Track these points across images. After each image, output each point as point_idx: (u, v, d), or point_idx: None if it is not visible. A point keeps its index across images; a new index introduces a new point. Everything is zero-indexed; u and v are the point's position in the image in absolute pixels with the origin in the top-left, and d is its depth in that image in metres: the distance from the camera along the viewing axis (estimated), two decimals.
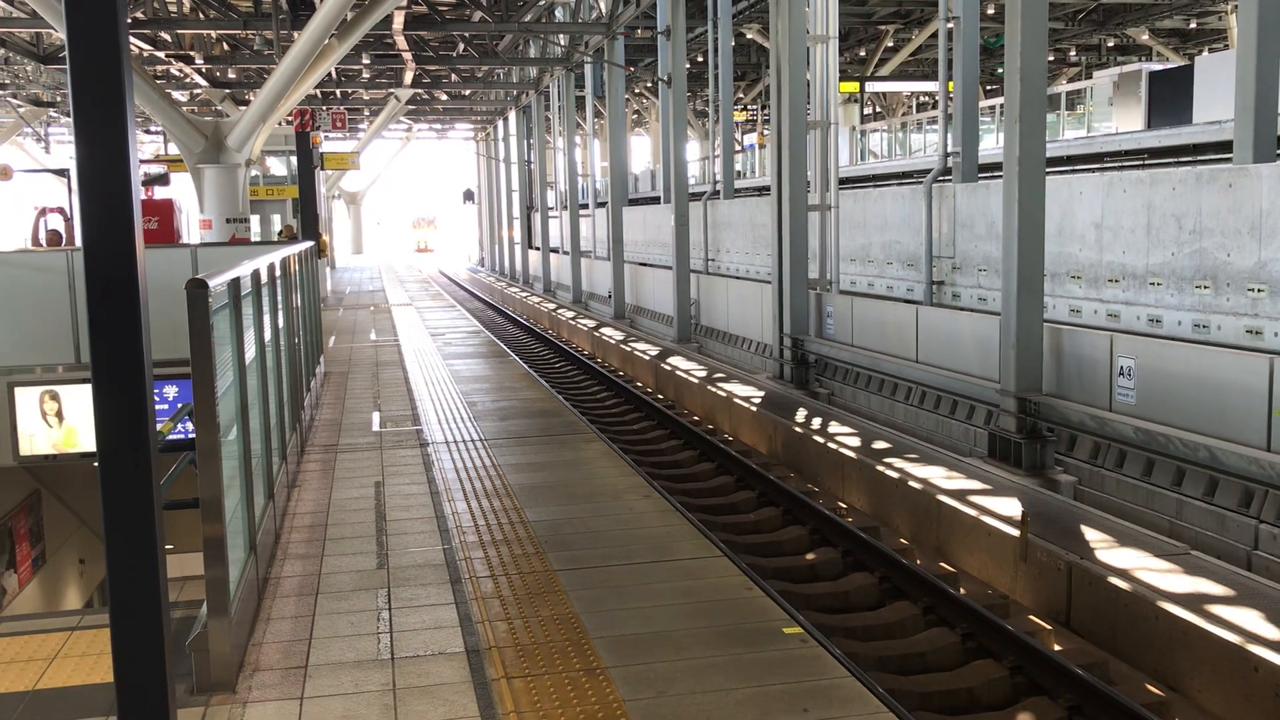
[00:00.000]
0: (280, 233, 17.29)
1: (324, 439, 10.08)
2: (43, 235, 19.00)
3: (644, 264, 27.49)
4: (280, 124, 22.76)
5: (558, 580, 5.99)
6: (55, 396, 11.65)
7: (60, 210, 20.35)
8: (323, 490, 8.15)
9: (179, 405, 10.07)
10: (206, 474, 4.71)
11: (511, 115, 43.92)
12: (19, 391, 11.48)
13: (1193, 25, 35.27)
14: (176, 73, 29.26)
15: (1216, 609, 6.42)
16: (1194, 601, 6.55)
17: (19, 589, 12.84)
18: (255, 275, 6.30)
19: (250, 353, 6.05)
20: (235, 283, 5.46)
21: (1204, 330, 10.63)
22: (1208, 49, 36.72)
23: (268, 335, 7.04)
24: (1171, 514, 9.05)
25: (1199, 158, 16.38)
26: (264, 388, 6.68)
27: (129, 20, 21.71)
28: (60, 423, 11.69)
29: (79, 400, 11.35)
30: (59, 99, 34.47)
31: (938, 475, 9.77)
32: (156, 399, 12.64)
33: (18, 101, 35.54)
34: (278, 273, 7.84)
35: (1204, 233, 10.64)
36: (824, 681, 4.71)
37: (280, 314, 8.03)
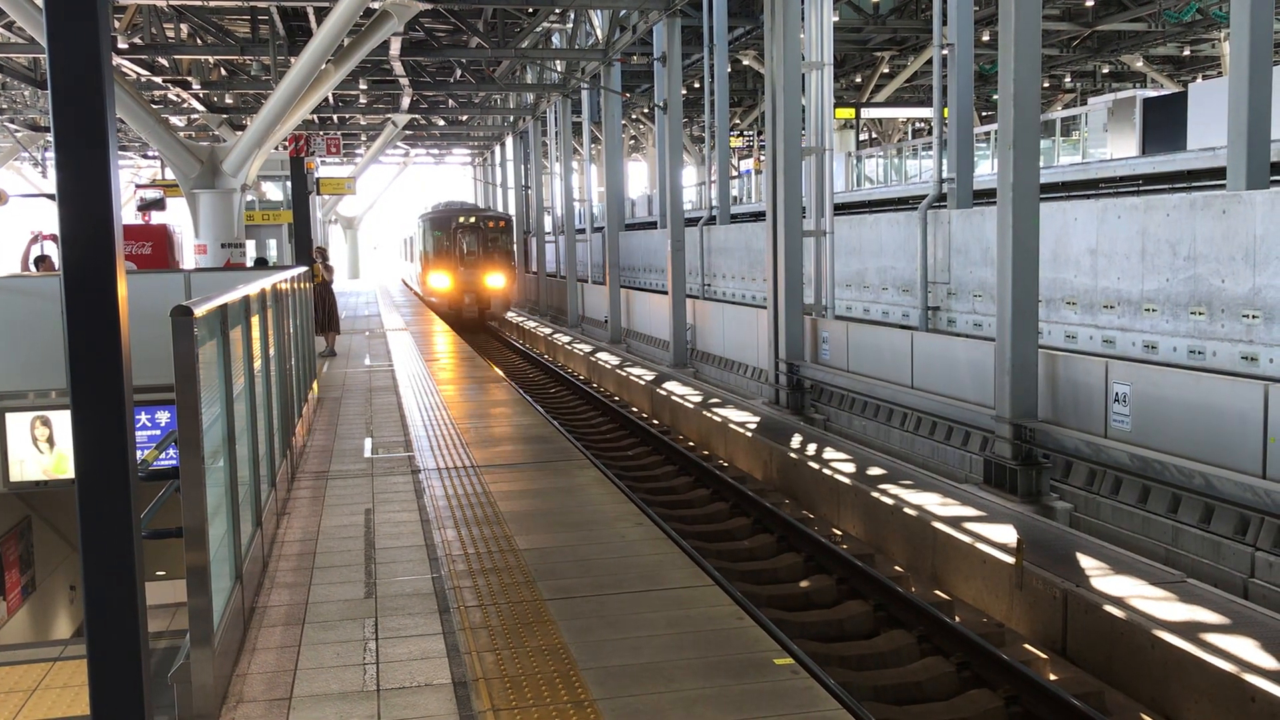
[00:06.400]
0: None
1: (315, 465, 10.01)
2: (33, 261, 18.97)
3: (640, 289, 27.49)
4: (277, 149, 22.78)
5: (547, 610, 5.93)
6: (46, 422, 11.59)
7: (53, 237, 20.34)
8: (312, 518, 8.08)
9: (169, 431, 10.01)
10: (190, 502, 4.65)
11: (509, 141, 44.05)
12: (10, 417, 11.42)
13: (1186, 52, 35.45)
14: (174, 98, 29.36)
15: (1213, 638, 6.35)
16: (1190, 630, 6.49)
17: (8, 616, 12.73)
18: (245, 301, 6.26)
19: (239, 379, 6.00)
20: (223, 309, 5.42)
21: (1199, 356, 10.60)
22: (1201, 76, 36.90)
23: (258, 361, 6.99)
24: (1168, 541, 8.99)
25: (1193, 184, 16.41)
26: (253, 414, 6.62)
27: (127, 46, 21.86)
28: (51, 448, 11.62)
29: (70, 426, 11.30)
30: None
31: (933, 502, 9.71)
32: (149, 425, 12.45)
33: (15, 126, 35.62)
34: (269, 298, 7.80)
35: (1198, 259, 10.63)
36: (814, 713, 4.64)
37: (272, 339, 7.98)
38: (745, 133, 49.43)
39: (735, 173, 44.47)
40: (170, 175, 23.61)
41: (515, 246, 37.31)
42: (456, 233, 34.62)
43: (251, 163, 19.27)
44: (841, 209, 21.43)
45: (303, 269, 12.73)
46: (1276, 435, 8.20)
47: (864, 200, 28.85)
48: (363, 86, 30.52)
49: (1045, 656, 7.37)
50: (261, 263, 19.18)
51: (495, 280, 34.62)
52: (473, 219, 35.38)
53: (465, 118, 43.19)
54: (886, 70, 38.04)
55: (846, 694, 6.43)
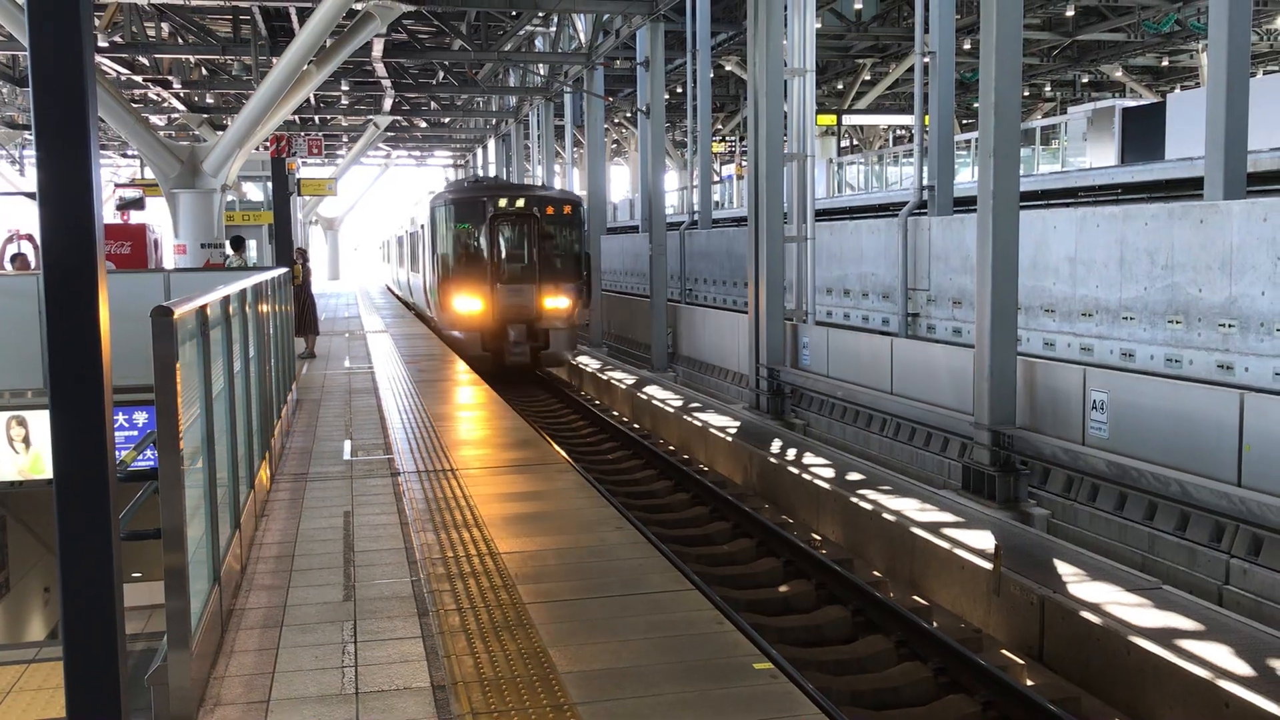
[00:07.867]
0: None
1: (294, 467, 9.96)
2: (9, 259, 18.85)
3: (622, 293, 27.49)
4: (258, 149, 22.69)
5: (527, 614, 5.92)
6: (22, 422, 11.50)
7: (29, 236, 20.23)
8: (291, 520, 8.04)
9: (147, 433, 9.94)
10: (169, 503, 4.62)
11: (491, 143, 44.00)
12: None
13: (1165, 63, 35.77)
14: (154, 97, 29.21)
15: (1188, 644, 6.40)
16: (1166, 636, 6.53)
17: None
18: (225, 302, 6.23)
19: (219, 380, 5.97)
20: (203, 310, 5.39)
21: (1176, 364, 10.69)
22: (1180, 86, 37.20)
23: (238, 362, 6.95)
24: (1144, 548, 9.05)
25: (1171, 193, 16.54)
26: (232, 415, 6.59)
27: (108, 44, 21.72)
28: (27, 449, 11.54)
29: (46, 426, 11.21)
30: None
31: (911, 507, 9.75)
32: (126, 425, 12.36)
33: None
34: (249, 299, 7.76)
35: (1176, 268, 10.71)
36: (793, 718, 4.64)
37: (251, 341, 7.94)
38: (727, 138, 49.54)
39: (717, 178, 44.55)
40: (150, 175, 23.46)
41: (587, 246, 22.76)
42: (494, 224, 20.96)
43: (232, 163, 19.19)
44: (823, 215, 21.49)
45: (283, 270, 12.67)
46: (1251, 443, 8.28)
47: (845, 207, 28.95)
48: (345, 88, 30.47)
49: (1022, 662, 7.41)
50: (238, 242, 17.53)
51: (557, 302, 21.17)
52: (520, 202, 21.24)
53: (447, 120, 43.15)
54: (868, 77, 38.19)
55: (825, 699, 6.45)
